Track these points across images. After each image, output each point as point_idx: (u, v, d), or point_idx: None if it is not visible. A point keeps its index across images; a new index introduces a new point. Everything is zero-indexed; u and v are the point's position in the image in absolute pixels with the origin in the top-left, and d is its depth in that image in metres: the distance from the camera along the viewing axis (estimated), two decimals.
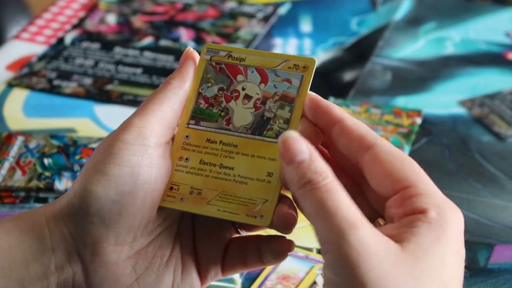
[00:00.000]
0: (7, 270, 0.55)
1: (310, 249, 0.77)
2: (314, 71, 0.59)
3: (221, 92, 0.60)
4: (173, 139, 0.60)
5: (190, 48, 0.61)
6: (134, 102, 0.99)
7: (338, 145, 0.56)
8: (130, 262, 0.57)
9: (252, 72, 0.60)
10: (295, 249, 0.77)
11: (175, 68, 0.61)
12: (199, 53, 0.61)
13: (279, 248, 0.59)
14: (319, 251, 0.77)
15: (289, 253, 0.59)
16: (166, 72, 1.03)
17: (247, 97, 0.60)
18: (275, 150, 0.58)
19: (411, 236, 0.50)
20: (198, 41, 1.10)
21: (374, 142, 0.54)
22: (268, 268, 0.75)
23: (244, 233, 0.61)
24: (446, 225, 0.51)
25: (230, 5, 1.19)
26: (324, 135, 0.57)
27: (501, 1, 1.19)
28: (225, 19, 1.16)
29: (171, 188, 0.59)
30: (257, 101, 0.59)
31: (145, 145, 0.56)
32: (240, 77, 0.60)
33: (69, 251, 0.56)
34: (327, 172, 0.52)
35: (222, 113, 0.60)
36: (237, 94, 0.60)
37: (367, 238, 0.49)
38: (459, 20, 1.15)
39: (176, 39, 1.11)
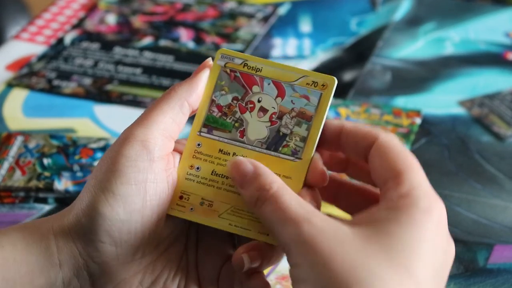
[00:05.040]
0: (11, 283, 0.55)
1: None
2: (334, 91, 0.58)
3: (235, 101, 0.59)
4: (176, 149, 0.59)
5: (210, 60, 0.59)
6: (133, 102, 0.99)
7: (346, 153, 0.57)
8: (137, 277, 0.57)
9: (269, 84, 0.58)
10: None
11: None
12: (213, 59, 0.60)
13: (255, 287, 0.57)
14: None
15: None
16: (165, 72, 1.03)
17: (263, 110, 0.58)
18: (290, 167, 0.57)
19: (365, 218, 0.51)
20: (198, 41, 1.10)
21: (376, 136, 0.55)
22: (267, 268, 0.75)
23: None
24: (414, 212, 0.51)
25: (230, 5, 1.19)
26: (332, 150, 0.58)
27: (501, 1, 1.19)
28: (225, 19, 1.16)
29: (180, 197, 0.58)
30: (273, 115, 0.58)
31: (149, 160, 0.56)
32: (256, 88, 0.59)
33: (77, 268, 0.56)
34: (270, 181, 0.53)
35: (236, 124, 0.58)
36: (252, 105, 0.58)
37: (320, 224, 0.50)
38: (459, 20, 1.15)
39: (176, 39, 1.11)
